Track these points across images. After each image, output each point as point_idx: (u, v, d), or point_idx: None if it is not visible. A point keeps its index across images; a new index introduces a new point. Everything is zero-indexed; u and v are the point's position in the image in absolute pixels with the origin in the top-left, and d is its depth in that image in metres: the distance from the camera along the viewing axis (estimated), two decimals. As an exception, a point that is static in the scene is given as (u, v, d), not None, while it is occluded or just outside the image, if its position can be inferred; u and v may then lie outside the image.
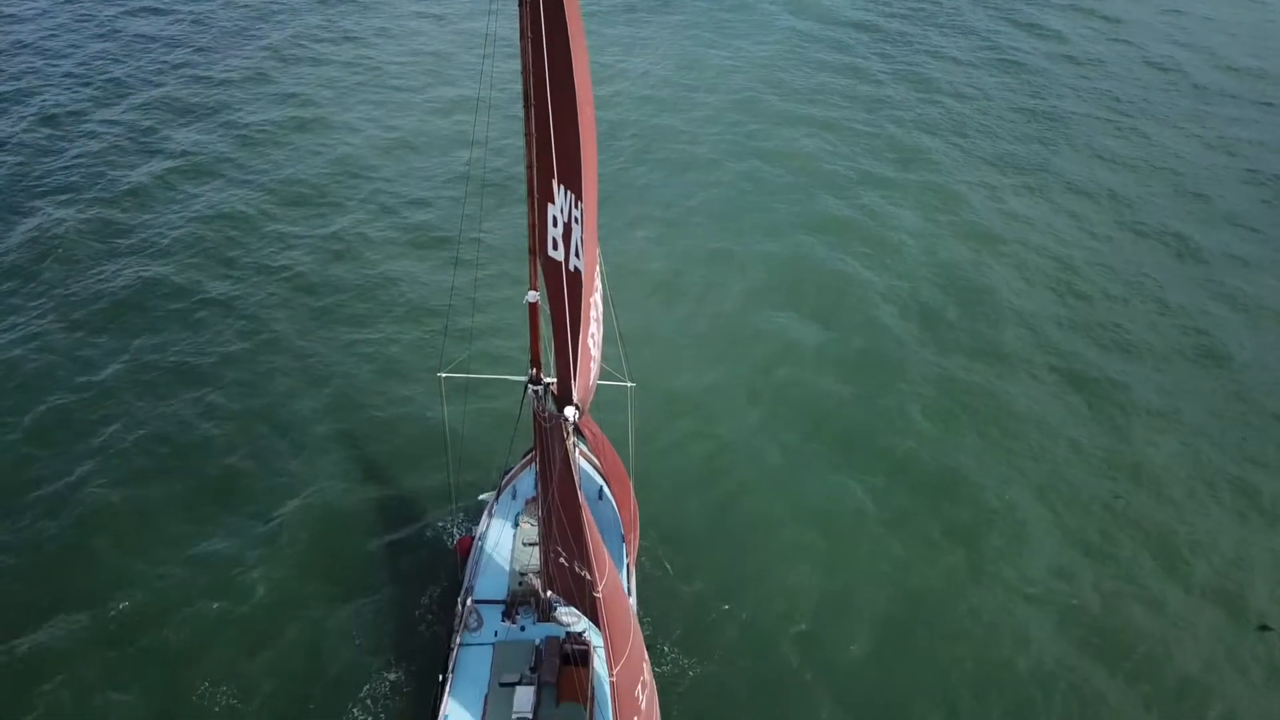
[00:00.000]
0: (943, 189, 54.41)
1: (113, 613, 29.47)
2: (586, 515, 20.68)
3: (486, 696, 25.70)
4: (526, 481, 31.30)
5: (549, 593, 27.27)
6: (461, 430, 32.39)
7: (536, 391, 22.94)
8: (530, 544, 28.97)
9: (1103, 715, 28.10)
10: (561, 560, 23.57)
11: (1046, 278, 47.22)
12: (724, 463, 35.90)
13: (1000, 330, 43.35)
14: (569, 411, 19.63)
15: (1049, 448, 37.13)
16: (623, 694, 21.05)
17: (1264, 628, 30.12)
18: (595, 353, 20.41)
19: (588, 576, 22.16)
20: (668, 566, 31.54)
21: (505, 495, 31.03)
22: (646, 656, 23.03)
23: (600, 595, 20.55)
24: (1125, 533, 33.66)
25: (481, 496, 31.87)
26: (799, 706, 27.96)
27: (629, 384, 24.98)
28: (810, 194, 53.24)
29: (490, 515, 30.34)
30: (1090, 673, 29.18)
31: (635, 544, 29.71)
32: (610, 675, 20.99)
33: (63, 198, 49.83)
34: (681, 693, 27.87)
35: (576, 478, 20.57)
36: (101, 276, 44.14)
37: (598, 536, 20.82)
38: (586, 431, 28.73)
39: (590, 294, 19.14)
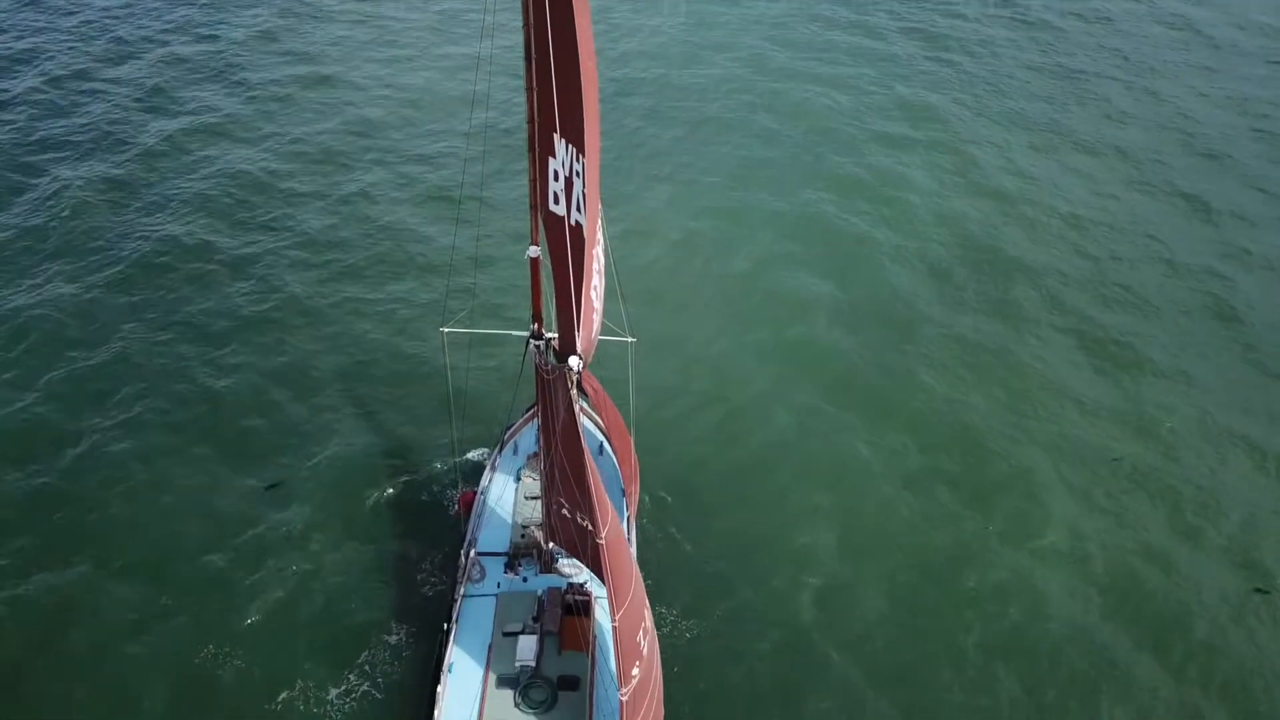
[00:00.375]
0: (952, 147, 54.18)
1: (120, 565, 29.95)
2: (589, 463, 20.96)
3: (490, 645, 26.23)
4: (528, 437, 31.65)
5: (551, 544, 27.73)
6: (465, 385, 32.68)
7: (538, 346, 23.15)
8: (532, 498, 29.38)
9: (1113, 675, 28.34)
10: (564, 512, 23.92)
11: (1055, 237, 47.12)
12: (731, 420, 36.11)
13: (1009, 289, 43.33)
14: (573, 361, 19.83)
15: (1059, 407, 37.19)
16: (625, 639, 21.45)
17: (1260, 590, 30.32)
18: (598, 305, 20.57)
19: (589, 526, 22.50)
20: (672, 529, 31.79)
21: (507, 451, 31.41)
22: (647, 604, 23.42)
23: (603, 542, 20.88)
24: (1134, 493, 33.77)
25: (473, 454, 32.30)
26: (805, 665, 28.29)
27: (630, 339, 25.18)
28: (820, 152, 53.08)
29: (492, 470, 30.74)
30: (1101, 633, 29.34)
31: (635, 499, 30.06)
32: (613, 621, 21.37)
33: (72, 158, 49.94)
34: (682, 647, 28.31)
35: (580, 426, 20.82)
36: (110, 236, 44.34)
37: (600, 485, 21.12)
38: (588, 387, 28.97)
39: (592, 246, 19.26)
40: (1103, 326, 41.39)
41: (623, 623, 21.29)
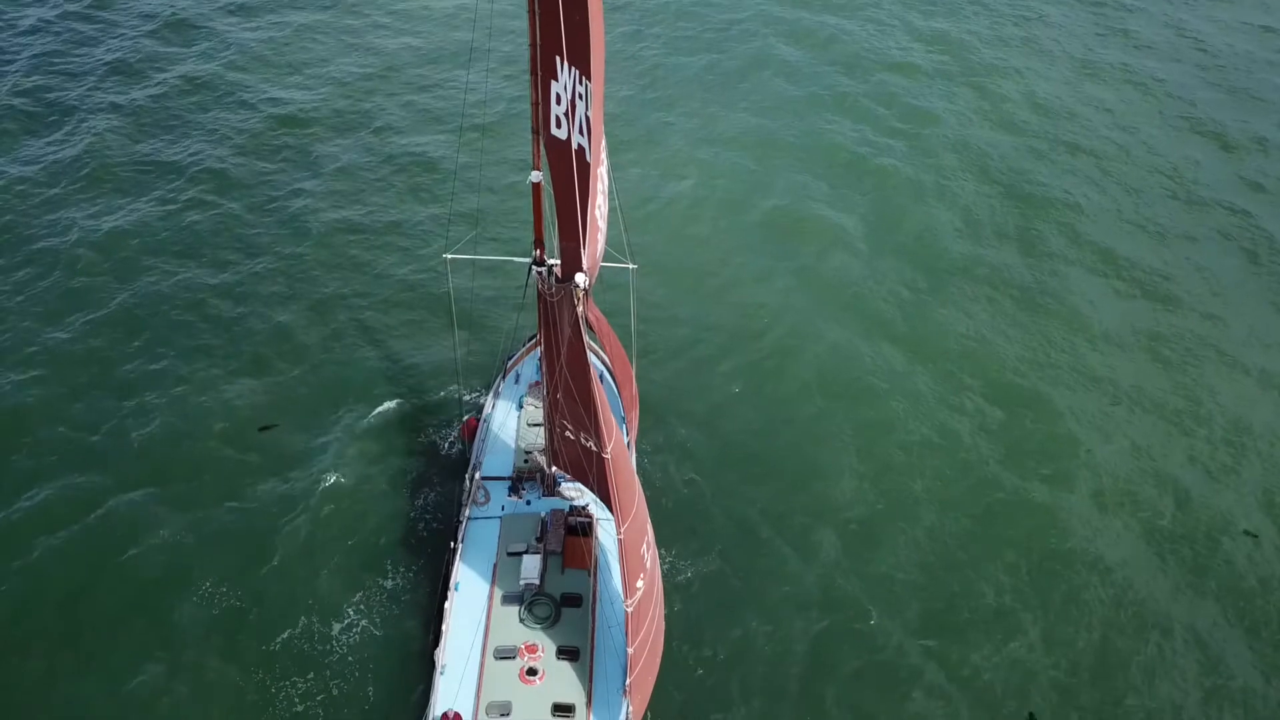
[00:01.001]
0: (973, 78, 53.74)
1: (121, 484, 30.51)
2: (594, 379, 21.40)
3: (495, 565, 26.98)
4: (529, 367, 32.11)
5: (554, 469, 28.39)
6: (468, 310, 32.89)
7: (540, 273, 23.45)
8: (534, 425, 29.92)
9: (1139, 599, 29.12)
10: (568, 434, 24.47)
11: (1077, 164, 47.09)
12: (740, 347, 36.56)
13: (1029, 218, 43.47)
14: (579, 278, 20.14)
15: (1078, 333, 37.70)
16: (630, 551, 22.13)
17: (1249, 534, 30.90)
18: (602, 224, 20.84)
19: (593, 447, 23.07)
20: (679, 459, 32.38)
21: (509, 379, 31.89)
22: (649, 522, 24.05)
23: (608, 456, 21.40)
24: (1153, 426, 34.40)
25: (476, 382, 32.66)
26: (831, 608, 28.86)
27: (631, 266, 25.51)
28: (837, 82, 52.65)
29: (495, 397, 31.23)
30: (1119, 561, 30.04)
31: (636, 426, 30.64)
32: (618, 533, 22.03)
33: (91, 90, 49.35)
34: (683, 581, 29.11)
35: (585, 341, 21.20)
36: (125, 171, 43.91)
37: (605, 402, 21.59)
38: (590, 317, 29.35)
39: (597, 166, 19.48)
40: (1128, 260, 41.53)
41: (628, 536, 21.95)
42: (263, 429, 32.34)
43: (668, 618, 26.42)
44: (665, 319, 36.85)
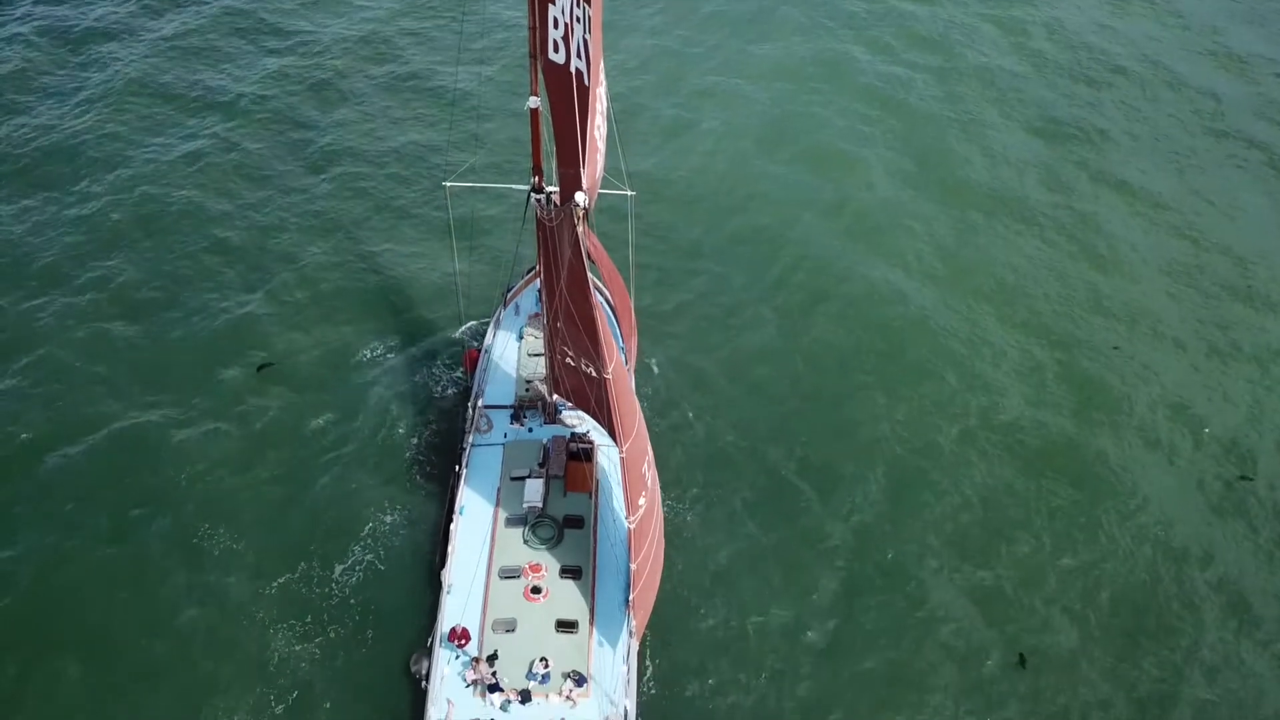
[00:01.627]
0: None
1: (124, 426, 30.85)
2: (595, 301, 21.79)
3: (498, 490, 27.67)
4: (529, 298, 32.49)
5: (554, 396, 28.95)
6: (469, 239, 33.09)
7: (539, 200, 23.73)
8: (535, 355, 30.40)
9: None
10: (569, 360, 24.95)
11: (1095, 93, 47.15)
12: (749, 273, 36.89)
13: (1059, 148, 43.56)
14: (579, 197, 20.41)
15: (1115, 270, 38.01)
16: (631, 471, 22.74)
17: (1244, 478, 31.12)
18: (601, 146, 21.06)
19: (593, 372, 23.58)
20: (683, 398, 32.93)
21: (509, 310, 32.31)
22: (650, 442, 24.56)
23: (609, 376, 21.88)
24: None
25: (476, 312, 32.89)
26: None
27: (629, 193, 25.78)
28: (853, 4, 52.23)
29: (496, 327, 31.69)
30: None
31: (635, 353, 31.12)
32: (620, 453, 22.63)
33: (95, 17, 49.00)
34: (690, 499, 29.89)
35: (586, 264, 21.54)
36: (126, 91, 43.91)
37: (606, 325, 21.99)
38: (589, 245, 29.65)
39: (596, 87, 19.67)
40: (1164, 195, 41.56)
41: (629, 454, 22.55)
42: (261, 368, 32.56)
43: (670, 536, 27.16)
44: (674, 249, 37.22)
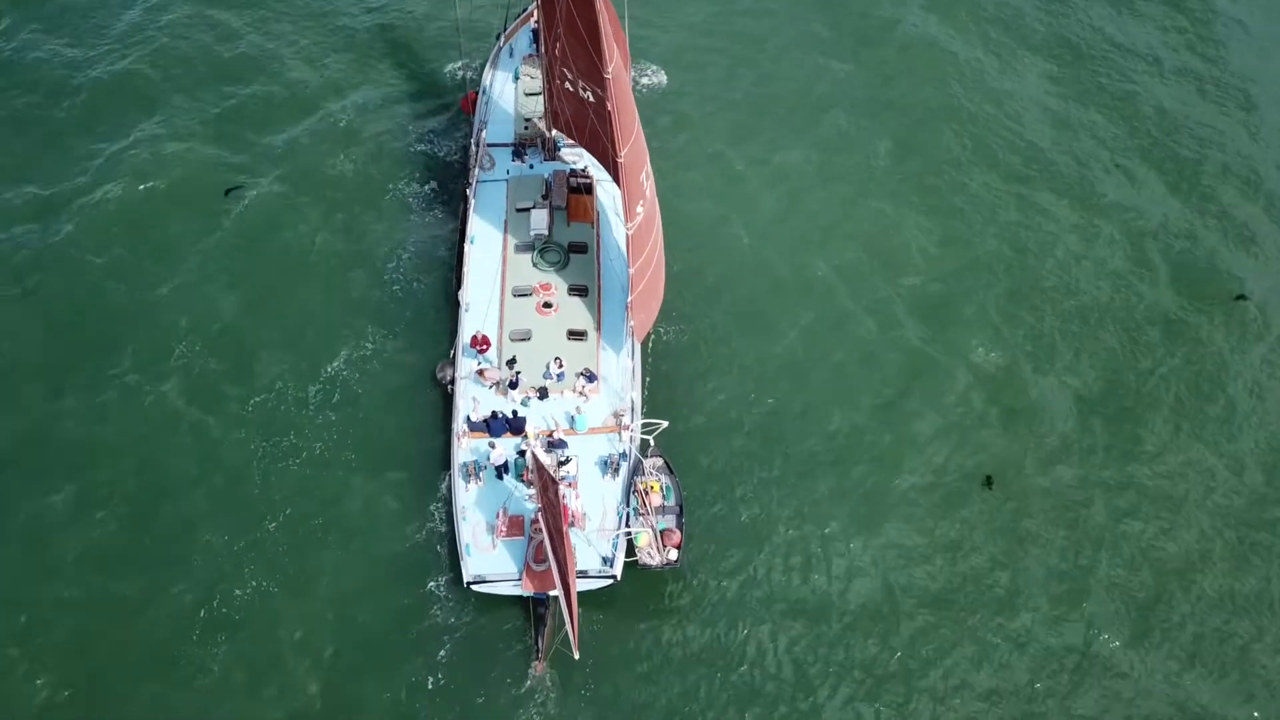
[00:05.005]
0: None
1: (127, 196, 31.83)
2: (598, 6, 22.60)
3: (505, 221, 29.61)
4: (523, 40, 33.31)
5: (553, 131, 30.40)
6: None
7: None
8: (531, 94, 31.53)
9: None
10: (567, 85, 26.19)
11: None
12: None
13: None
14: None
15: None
16: (630, 176, 24.44)
17: (1240, 297, 31.34)
18: None
19: (590, 98, 24.82)
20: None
21: (504, 53, 33.20)
22: (648, 155, 25.93)
23: (609, 76, 23.01)
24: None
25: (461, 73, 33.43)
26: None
27: None
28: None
29: (493, 68, 32.75)
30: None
31: (628, 63, 31.68)
32: (618, 157, 24.25)
33: None
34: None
35: None
36: None
37: (607, 22, 22.81)
38: None
39: None
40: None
41: (628, 160, 24.22)
42: (229, 191, 31.94)
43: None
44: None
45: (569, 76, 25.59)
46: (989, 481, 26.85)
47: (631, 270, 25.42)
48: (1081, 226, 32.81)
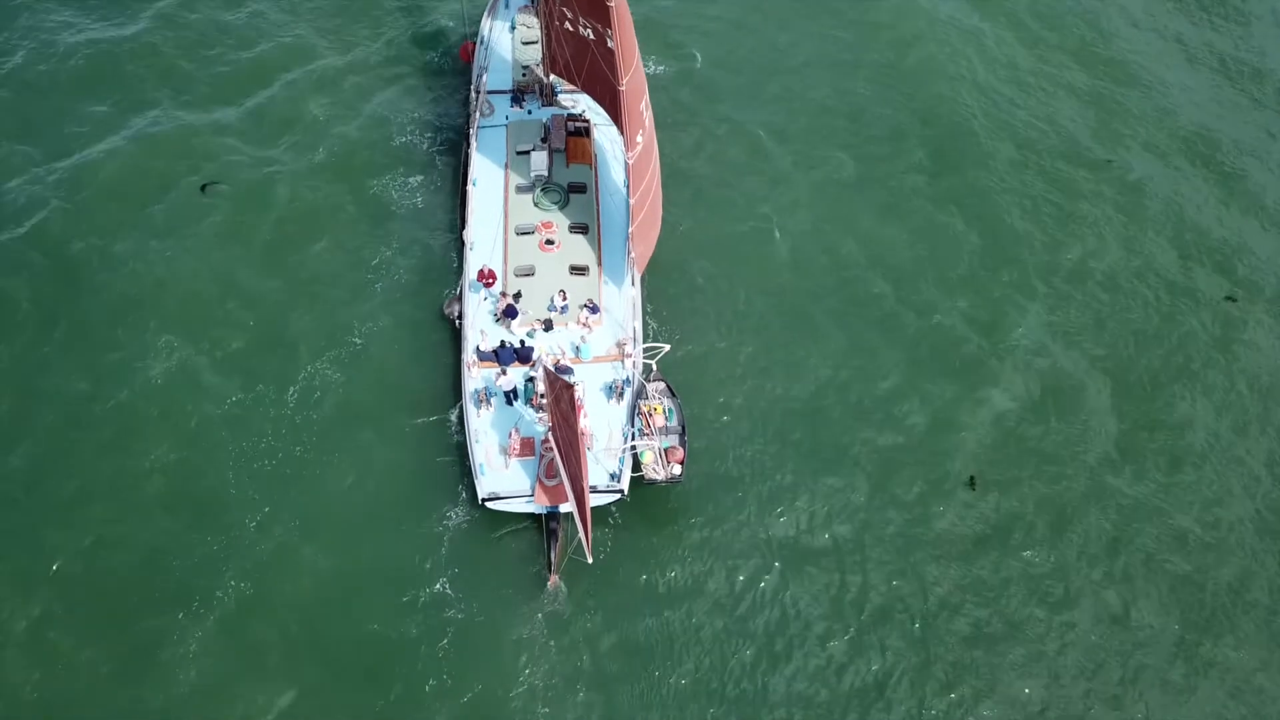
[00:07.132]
0: None
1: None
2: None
3: (506, 164, 30.41)
4: (519, -11, 34.09)
5: (551, 76, 31.16)
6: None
7: None
8: (528, 42, 32.27)
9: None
10: (566, 25, 26.93)
11: None
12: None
13: None
14: None
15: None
16: (631, 105, 25.23)
17: (1229, 298, 31.38)
18: None
19: (590, 35, 25.55)
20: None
21: (499, 3, 33.95)
22: (647, 87, 26.73)
23: (612, 4, 23.68)
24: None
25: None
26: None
27: None
28: None
29: (490, 17, 33.58)
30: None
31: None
32: (620, 85, 25.01)
33: None
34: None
35: None
36: None
37: None
38: None
39: None
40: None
41: (629, 89, 25.02)
42: (205, 186, 31.47)
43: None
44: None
45: (569, 16, 26.34)
46: (971, 482, 26.64)
47: (632, 200, 26.24)
48: (1130, 239, 32.43)
